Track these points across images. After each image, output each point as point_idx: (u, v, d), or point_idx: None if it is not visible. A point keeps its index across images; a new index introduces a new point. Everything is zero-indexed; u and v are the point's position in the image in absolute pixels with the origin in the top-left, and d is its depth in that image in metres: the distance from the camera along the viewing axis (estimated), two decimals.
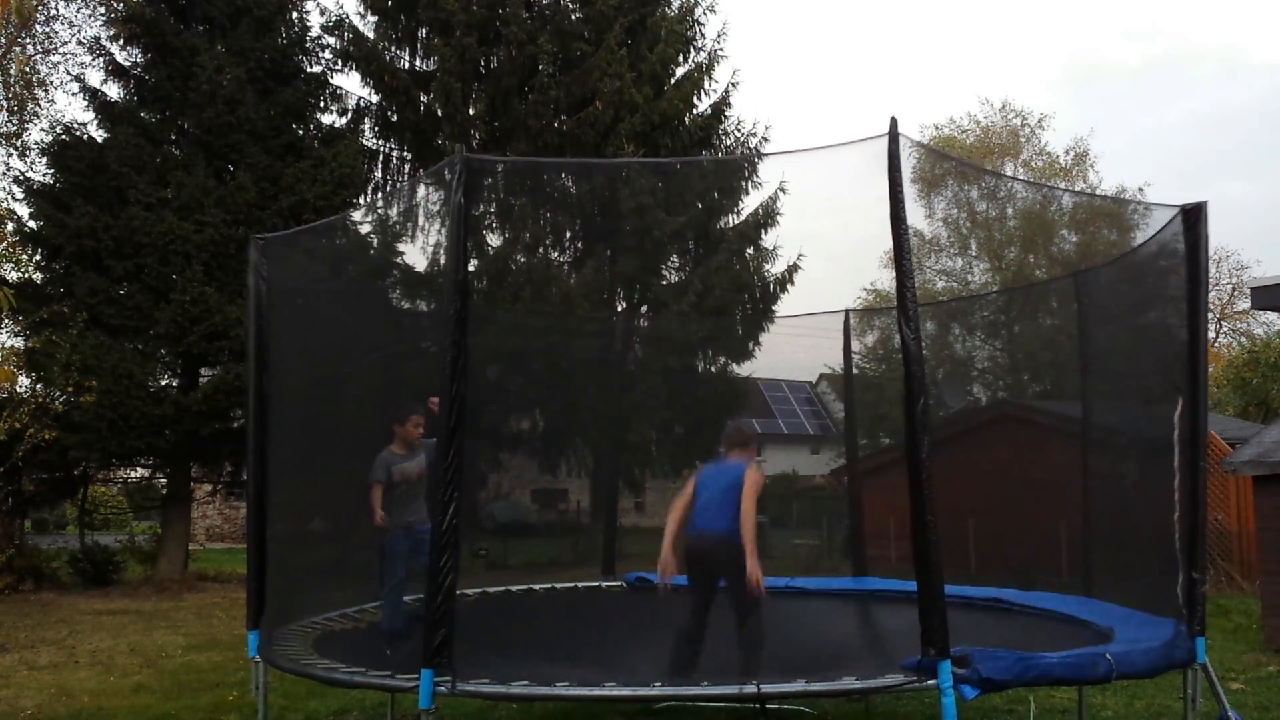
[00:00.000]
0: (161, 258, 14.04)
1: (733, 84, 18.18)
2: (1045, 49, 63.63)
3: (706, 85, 17.99)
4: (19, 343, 14.67)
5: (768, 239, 17.40)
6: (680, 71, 18.13)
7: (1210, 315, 31.41)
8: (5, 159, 17.24)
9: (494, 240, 16.33)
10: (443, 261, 11.35)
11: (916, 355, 3.79)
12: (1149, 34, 61.83)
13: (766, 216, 17.23)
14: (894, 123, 3.89)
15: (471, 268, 14.73)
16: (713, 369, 16.57)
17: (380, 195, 17.76)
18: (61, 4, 18.00)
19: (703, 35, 18.48)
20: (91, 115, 15.58)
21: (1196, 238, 4.50)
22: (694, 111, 17.85)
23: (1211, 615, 8.42)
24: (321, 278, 6.57)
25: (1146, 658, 4.16)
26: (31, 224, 14.61)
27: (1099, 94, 59.63)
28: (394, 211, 14.89)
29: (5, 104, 17.10)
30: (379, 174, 18.20)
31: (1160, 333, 5.08)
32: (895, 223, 3.88)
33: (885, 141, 3.91)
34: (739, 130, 18.16)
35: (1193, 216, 4.55)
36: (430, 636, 3.78)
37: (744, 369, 16.22)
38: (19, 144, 17.16)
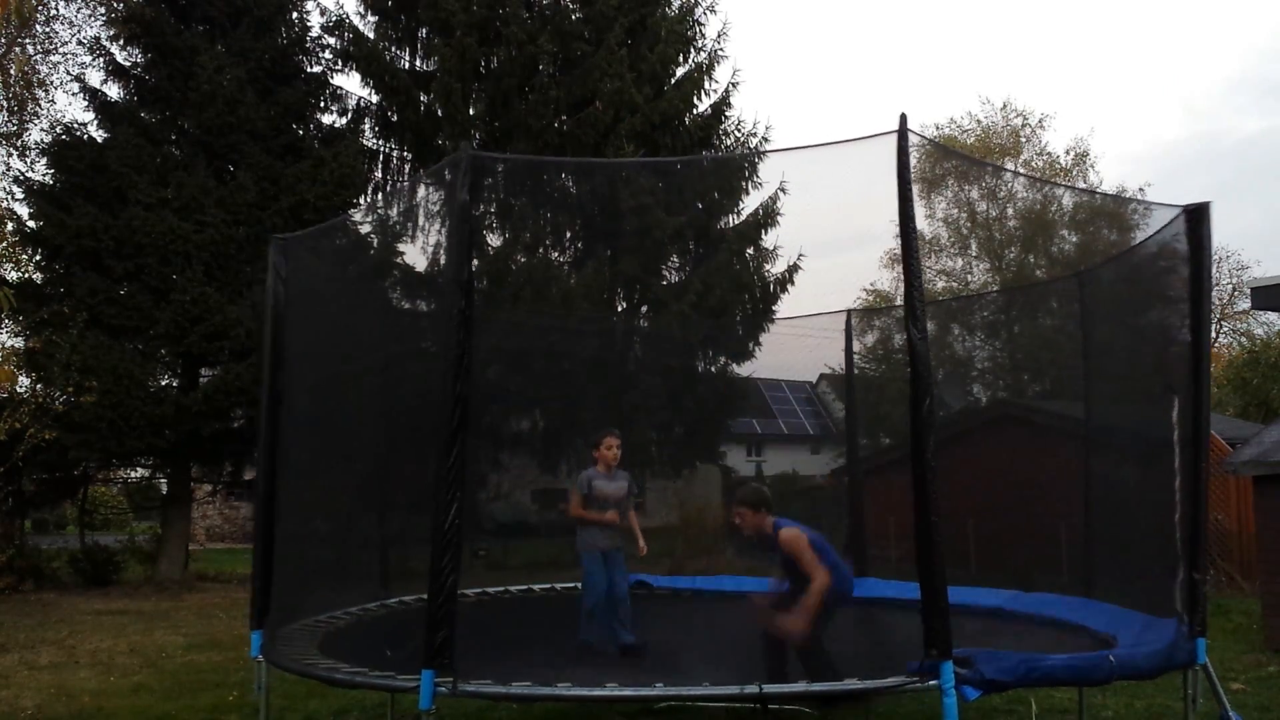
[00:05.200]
0: (162, 258, 14.03)
1: (733, 84, 18.18)
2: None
3: (707, 85, 17.97)
4: (19, 343, 14.67)
5: (768, 239, 17.40)
6: (680, 71, 18.11)
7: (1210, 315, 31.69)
8: (5, 159, 17.17)
9: (494, 240, 16.31)
10: (443, 261, 11.34)
11: (922, 354, 3.76)
12: None
13: (767, 216, 17.21)
14: (904, 119, 3.83)
15: (472, 267, 14.70)
16: (713, 369, 16.54)
17: (393, 195, 17.74)
18: (61, 4, 17.97)
19: (703, 35, 18.46)
20: (91, 115, 15.61)
21: (1200, 238, 4.49)
22: (694, 111, 17.83)
23: (1212, 615, 8.41)
24: (331, 277, 6.58)
25: (1148, 658, 4.15)
26: (31, 224, 14.61)
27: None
28: (394, 211, 14.88)
29: (5, 104, 17.08)
30: (379, 174, 18.19)
31: (1161, 333, 5.08)
32: (903, 221, 3.83)
33: (894, 139, 3.84)
34: (739, 130, 18.14)
35: (1196, 217, 4.53)
36: (431, 637, 3.77)
37: (744, 369, 16.18)
38: (19, 144, 17.13)
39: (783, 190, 17.05)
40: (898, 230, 4.00)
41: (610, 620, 6.22)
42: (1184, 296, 4.46)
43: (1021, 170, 29.26)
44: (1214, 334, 32.84)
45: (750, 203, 17.29)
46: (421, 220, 14.68)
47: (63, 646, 9.03)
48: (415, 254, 14.80)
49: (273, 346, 5.29)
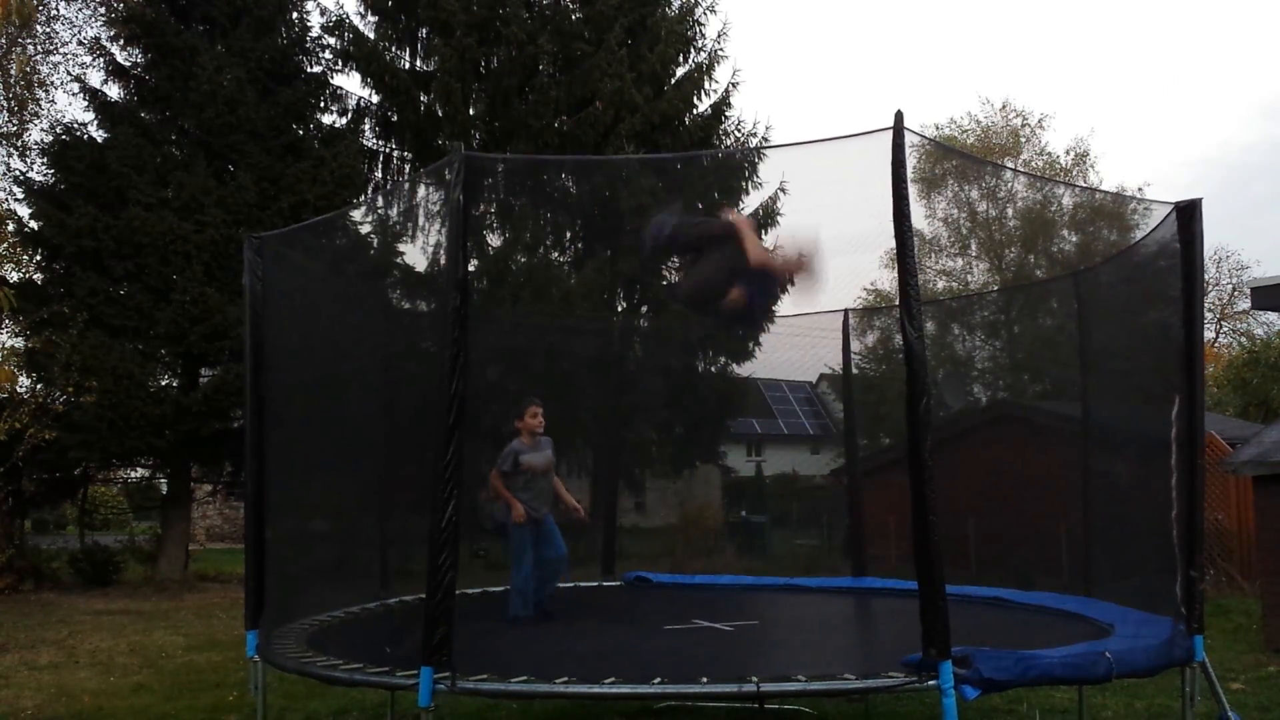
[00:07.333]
0: (162, 258, 14.04)
1: (733, 84, 18.20)
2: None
3: (707, 85, 17.99)
4: (19, 343, 14.68)
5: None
6: (680, 71, 18.13)
7: (1210, 315, 31.60)
8: (5, 159, 17.16)
9: (494, 240, 16.31)
10: (443, 261, 11.33)
11: (919, 353, 3.77)
12: None
13: (767, 217, 17.21)
14: (899, 116, 3.82)
15: (471, 268, 14.71)
16: (713, 369, 16.54)
17: (379, 194, 17.75)
18: (62, 4, 17.96)
19: (703, 35, 18.48)
20: (92, 115, 15.60)
21: (1191, 235, 4.49)
22: (694, 111, 17.85)
23: (1211, 615, 8.43)
24: (319, 276, 6.57)
25: (1146, 656, 4.16)
26: (32, 224, 14.61)
27: None
28: (393, 211, 14.88)
29: (6, 104, 17.07)
30: (379, 174, 18.20)
31: (1160, 332, 5.08)
32: (899, 219, 3.83)
33: (890, 135, 3.84)
34: (739, 130, 18.16)
35: (1187, 214, 4.53)
36: (429, 634, 3.77)
37: (744, 369, 16.18)
38: (19, 144, 17.13)
39: (783, 190, 17.06)
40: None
41: (538, 592, 6.24)
42: (1178, 294, 4.46)
43: (1021, 169, 29.24)
44: (1214, 334, 32.85)
45: (750, 203, 17.30)
46: (421, 219, 14.70)
47: (63, 646, 9.04)
48: (414, 253, 14.83)
49: (254, 346, 5.28)
